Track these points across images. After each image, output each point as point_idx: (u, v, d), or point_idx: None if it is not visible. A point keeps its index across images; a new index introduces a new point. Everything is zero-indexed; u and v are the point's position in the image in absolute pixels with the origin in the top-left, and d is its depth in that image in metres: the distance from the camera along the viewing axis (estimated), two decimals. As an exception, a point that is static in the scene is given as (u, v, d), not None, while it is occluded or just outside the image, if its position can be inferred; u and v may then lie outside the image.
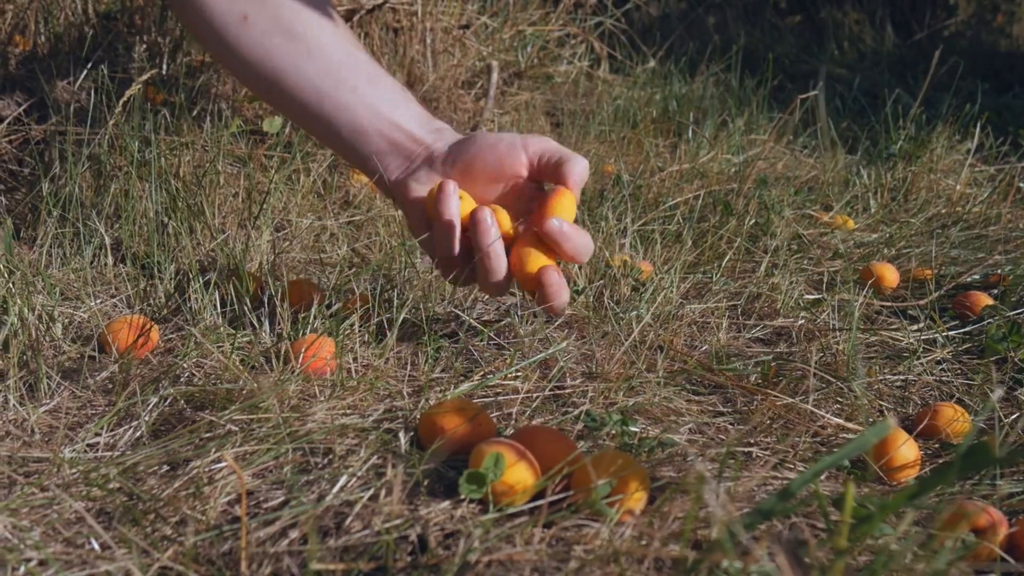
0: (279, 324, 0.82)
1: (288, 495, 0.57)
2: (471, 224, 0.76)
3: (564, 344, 0.82)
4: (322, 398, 0.70)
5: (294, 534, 0.53)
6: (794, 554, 0.29)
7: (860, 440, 0.39)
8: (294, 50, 0.81)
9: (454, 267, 0.80)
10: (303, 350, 0.72)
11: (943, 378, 0.86)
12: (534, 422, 0.70)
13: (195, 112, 1.36)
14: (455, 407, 0.64)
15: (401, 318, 0.80)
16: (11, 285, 0.81)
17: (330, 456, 0.62)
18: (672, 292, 0.97)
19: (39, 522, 0.54)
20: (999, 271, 1.13)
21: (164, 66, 1.43)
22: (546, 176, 0.81)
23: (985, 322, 0.96)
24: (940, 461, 0.69)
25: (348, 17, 1.74)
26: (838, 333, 0.91)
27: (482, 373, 0.78)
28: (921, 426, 0.72)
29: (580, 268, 1.07)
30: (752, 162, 1.57)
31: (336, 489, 0.57)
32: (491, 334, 0.88)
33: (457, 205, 0.76)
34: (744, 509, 0.56)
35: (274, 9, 0.82)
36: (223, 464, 0.60)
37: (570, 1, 2.17)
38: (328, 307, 0.82)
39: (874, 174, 1.60)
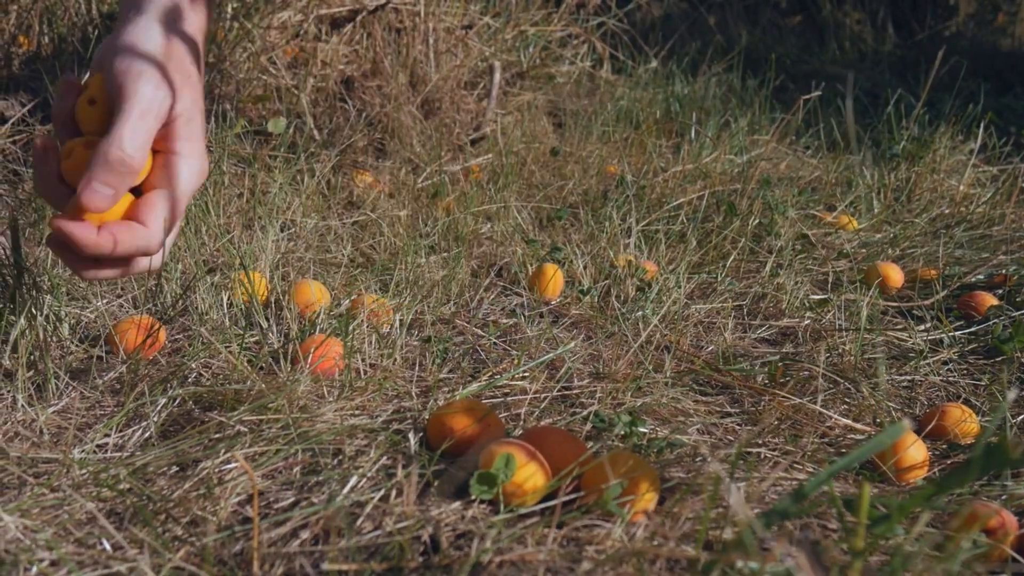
0: (286, 324, 0.82)
1: (299, 496, 0.58)
2: None
3: (572, 345, 0.82)
4: (331, 399, 0.70)
5: (305, 535, 0.53)
6: (814, 554, 0.29)
7: (876, 441, 0.39)
8: None
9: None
10: (312, 350, 0.72)
11: (949, 378, 0.86)
12: (542, 423, 0.70)
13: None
14: (464, 408, 0.64)
15: (409, 318, 0.80)
16: (18, 285, 0.80)
17: (340, 457, 0.62)
18: (679, 292, 0.97)
19: (50, 523, 0.54)
20: (1004, 271, 1.13)
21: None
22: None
23: (991, 322, 0.96)
24: (949, 462, 0.69)
25: (351, 18, 1.74)
26: (844, 333, 0.91)
27: (490, 374, 0.78)
28: (929, 427, 0.72)
29: (585, 268, 1.07)
30: (755, 162, 1.57)
31: (347, 490, 0.57)
32: (498, 334, 0.88)
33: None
34: (755, 510, 0.56)
35: None
36: (233, 465, 0.60)
37: (572, 1, 2.17)
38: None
39: (877, 174, 1.60)
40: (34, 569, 0.49)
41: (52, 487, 0.58)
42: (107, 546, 0.52)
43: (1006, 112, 2.26)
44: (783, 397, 0.76)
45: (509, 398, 0.74)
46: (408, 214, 1.27)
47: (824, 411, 0.74)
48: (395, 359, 0.78)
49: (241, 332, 0.80)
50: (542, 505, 0.55)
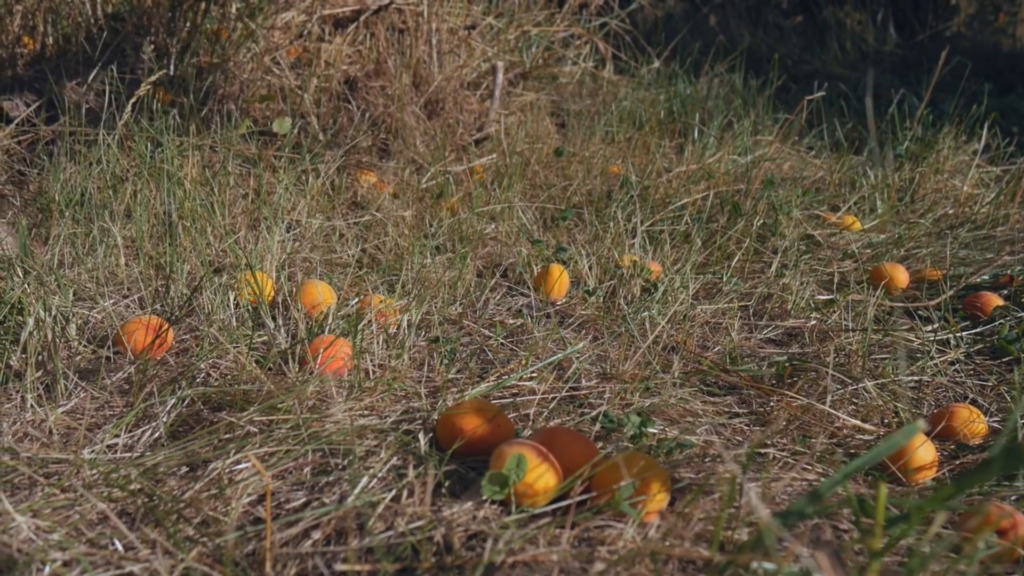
0: (293, 324, 0.82)
1: (310, 496, 0.58)
2: None
3: (581, 345, 0.82)
4: (340, 399, 0.70)
5: (317, 535, 0.53)
6: (835, 555, 0.29)
7: (891, 441, 0.39)
8: None
9: None
10: (321, 351, 0.72)
11: (956, 378, 0.86)
12: (552, 423, 0.70)
13: (203, 113, 1.36)
14: (473, 408, 0.64)
15: (417, 319, 0.80)
16: (26, 286, 0.81)
17: (350, 457, 0.62)
18: (686, 293, 0.97)
19: (62, 523, 0.54)
20: (1009, 272, 1.13)
21: (172, 67, 1.43)
22: None
23: (997, 323, 0.96)
24: (957, 463, 0.69)
25: (354, 18, 1.74)
26: (851, 334, 0.91)
27: (498, 374, 0.78)
28: (938, 428, 0.72)
29: (591, 269, 1.07)
30: (759, 163, 1.57)
31: (358, 490, 0.57)
32: (505, 335, 0.88)
33: None
34: (767, 510, 0.56)
35: None
36: (243, 465, 0.60)
37: (575, 2, 2.17)
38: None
39: (881, 175, 1.60)
40: (47, 569, 0.49)
41: (63, 487, 0.58)
42: (119, 546, 0.52)
43: (1009, 113, 2.27)
44: (791, 397, 0.76)
45: (518, 398, 0.74)
46: (412, 214, 1.27)
47: (833, 412, 0.74)
48: (403, 359, 0.78)
49: (249, 333, 0.80)
50: (553, 506, 0.55)
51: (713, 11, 3.79)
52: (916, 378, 0.85)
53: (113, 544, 0.52)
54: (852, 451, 0.69)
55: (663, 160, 1.63)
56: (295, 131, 1.37)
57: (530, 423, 0.71)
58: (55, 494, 0.57)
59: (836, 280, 1.11)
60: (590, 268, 1.07)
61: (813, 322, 0.98)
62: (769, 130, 1.90)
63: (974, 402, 0.82)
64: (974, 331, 0.95)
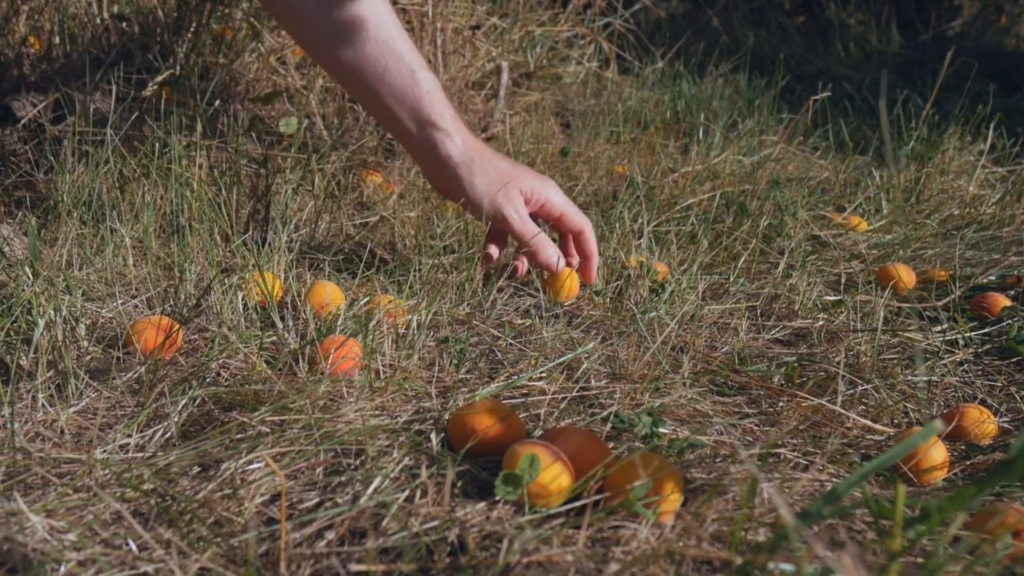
0: (302, 324, 0.82)
1: (323, 496, 0.58)
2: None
3: (591, 345, 0.82)
4: (351, 399, 0.70)
5: (331, 535, 0.53)
6: (859, 555, 0.29)
7: (908, 442, 0.40)
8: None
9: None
10: (332, 351, 0.72)
11: (965, 379, 0.86)
12: (562, 423, 0.70)
13: (210, 113, 1.36)
14: (485, 408, 0.64)
15: (427, 319, 0.80)
16: (35, 287, 0.81)
17: (362, 457, 0.62)
18: (695, 294, 0.97)
19: (76, 523, 0.54)
20: (1016, 272, 1.13)
21: (178, 67, 1.43)
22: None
23: (1005, 323, 0.96)
24: (968, 463, 0.69)
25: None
26: (860, 334, 0.91)
27: (508, 374, 0.78)
28: (949, 428, 0.72)
29: (598, 269, 1.07)
30: (764, 163, 1.57)
31: (371, 490, 0.57)
32: (513, 335, 0.88)
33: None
34: (775, 511, 0.56)
35: None
36: (256, 465, 0.60)
37: (579, 2, 2.18)
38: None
39: (886, 175, 1.60)
40: (62, 569, 0.49)
41: (75, 487, 0.58)
42: (133, 547, 0.52)
43: (1014, 113, 2.27)
44: (802, 398, 0.76)
45: (529, 399, 0.74)
46: (418, 215, 1.27)
47: (844, 412, 0.74)
48: (414, 359, 0.78)
49: (259, 333, 0.80)
50: (567, 506, 0.55)
51: (716, 11, 3.79)
52: (926, 378, 0.85)
53: (127, 544, 0.52)
54: (863, 451, 0.69)
55: (668, 160, 1.63)
56: (300, 131, 1.37)
57: (540, 423, 0.71)
58: (68, 494, 0.57)
59: (843, 281, 1.11)
60: (597, 269, 1.07)
61: (821, 322, 0.98)
62: (774, 130, 1.90)
63: (983, 402, 0.82)
64: (982, 331, 0.95)
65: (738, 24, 3.71)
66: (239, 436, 0.64)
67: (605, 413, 0.71)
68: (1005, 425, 0.77)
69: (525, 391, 0.75)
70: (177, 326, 0.78)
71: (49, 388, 0.71)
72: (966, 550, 0.44)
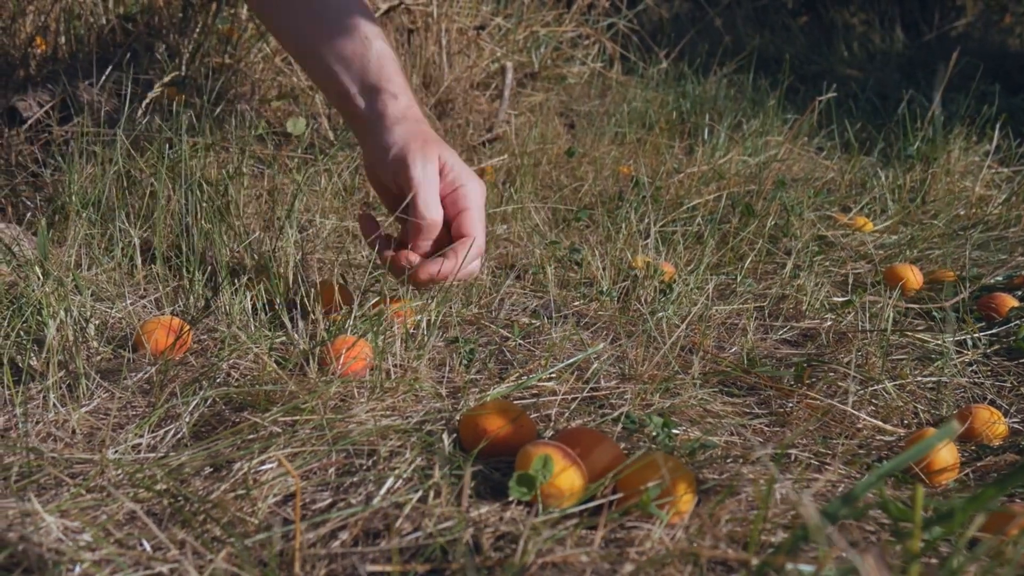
0: (312, 325, 0.82)
1: (335, 496, 0.58)
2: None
3: (601, 346, 0.82)
4: (362, 399, 0.70)
5: (344, 536, 0.53)
6: (880, 556, 0.29)
7: (926, 442, 0.40)
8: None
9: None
10: (343, 351, 0.72)
11: (974, 379, 0.86)
12: (573, 424, 0.70)
13: (216, 113, 1.36)
14: (496, 409, 0.64)
15: (438, 319, 0.80)
16: (45, 288, 0.81)
17: (374, 458, 0.62)
18: (702, 294, 0.97)
19: (90, 523, 0.54)
20: (1023, 273, 1.13)
21: (184, 68, 1.43)
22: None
23: (1013, 323, 0.96)
24: (979, 464, 0.69)
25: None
26: (868, 335, 0.91)
27: (518, 375, 0.79)
28: (960, 429, 0.72)
29: (604, 269, 1.07)
30: (769, 164, 1.57)
31: (383, 491, 0.57)
32: (522, 336, 0.88)
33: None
34: (791, 512, 0.56)
35: None
36: (269, 466, 0.60)
37: (583, 2, 2.18)
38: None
39: (891, 176, 1.60)
40: (78, 569, 0.49)
41: (89, 487, 0.58)
42: (148, 547, 0.52)
43: (1018, 113, 2.26)
44: (812, 398, 0.76)
45: (540, 399, 0.74)
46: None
47: (854, 412, 0.74)
48: (424, 360, 0.78)
49: (269, 334, 0.81)
50: (580, 507, 0.55)
51: (718, 11, 3.79)
52: (934, 379, 0.84)
53: (142, 544, 0.52)
54: (874, 452, 0.69)
55: (673, 161, 1.63)
56: (307, 131, 1.37)
57: (551, 423, 0.71)
58: (82, 494, 0.57)
59: (851, 281, 1.11)
60: (604, 269, 1.07)
61: (829, 323, 0.98)
62: (779, 131, 1.90)
63: (993, 403, 0.82)
64: (990, 332, 0.95)
65: (741, 24, 3.71)
66: (251, 436, 0.64)
67: (616, 414, 0.71)
68: (1015, 426, 0.77)
69: (535, 392, 0.75)
70: (187, 327, 0.78)
71: (60, 388, 0.71)
72: (985, 552, 0.44)
